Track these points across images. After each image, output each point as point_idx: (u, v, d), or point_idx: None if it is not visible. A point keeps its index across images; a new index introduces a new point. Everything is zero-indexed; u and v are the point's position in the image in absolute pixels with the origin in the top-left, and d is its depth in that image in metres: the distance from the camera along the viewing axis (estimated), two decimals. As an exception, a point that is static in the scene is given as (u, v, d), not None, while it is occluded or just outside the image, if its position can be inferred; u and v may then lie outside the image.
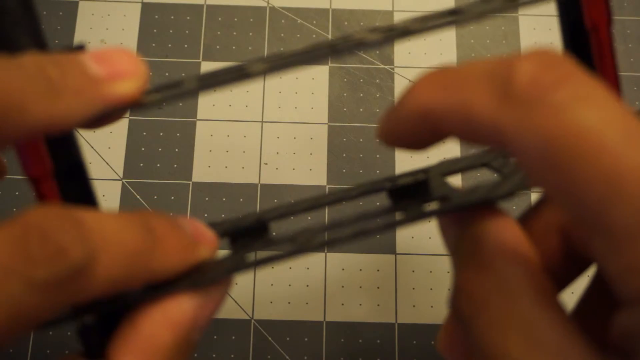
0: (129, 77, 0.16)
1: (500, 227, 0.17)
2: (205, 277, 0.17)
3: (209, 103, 0.36)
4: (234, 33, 0.37)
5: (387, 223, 0.18)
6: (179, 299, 0.17)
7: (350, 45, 0.17)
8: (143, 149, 0.35)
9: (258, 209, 0.34)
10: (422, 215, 0.18)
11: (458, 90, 0.15)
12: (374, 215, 0.19)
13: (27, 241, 0.14)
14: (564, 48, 0.20)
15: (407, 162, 0.35)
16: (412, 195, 0.19)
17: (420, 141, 0.17)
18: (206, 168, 0.35)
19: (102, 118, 0.17)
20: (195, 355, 0.32)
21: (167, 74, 0.36)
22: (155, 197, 0.34)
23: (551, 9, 0.20)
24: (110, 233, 0.15)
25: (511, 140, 0.14)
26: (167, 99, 0.17)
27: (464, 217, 0.18)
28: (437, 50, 0.37)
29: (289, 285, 0.33)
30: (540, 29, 0.37)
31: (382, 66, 0.37)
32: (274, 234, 0.20)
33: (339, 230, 0.19)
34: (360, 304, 0.33)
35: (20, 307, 0.13)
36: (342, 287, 0.33)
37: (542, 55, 0.14)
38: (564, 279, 0.19)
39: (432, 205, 0.19)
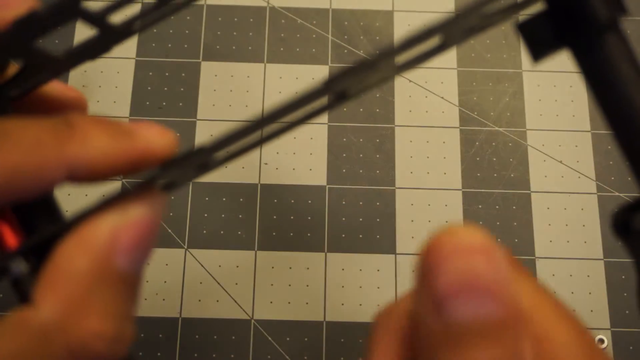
0: None
1: None
2: (117, 193, 0.16)
3: (209, 103, 0.36)
4: (234, 33, 0.37)
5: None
6: (92, 223, 0.16)
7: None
8: (143, 149, 0.35)
9: (258, 208, 0.34)
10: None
11: None
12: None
13: None
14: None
15: (406, 161, 0.35)
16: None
17: None
18: (206, 168, 0.35)
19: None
20: (195, 355, 0.32)
21: (167, 73, 0.36)
22: (155, 197, 0.34)
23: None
24: (11, 126, 0.15)
25: None
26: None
27: None
28: (437, 50, 0.37)
29: (289, 285, 0.33)
30: (540, 29, 0.37)
31: (382, 66, 0.37)
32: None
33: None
34: (360, 304, 0.33)
35: None
36: (342, 287, 0.33)
37: None
38: None
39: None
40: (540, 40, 0.16)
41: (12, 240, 0.17)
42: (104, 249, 0.16)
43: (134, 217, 0.16)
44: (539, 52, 0.16)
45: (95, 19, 0.18)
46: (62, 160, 0.16)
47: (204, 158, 0.17)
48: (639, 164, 0.16)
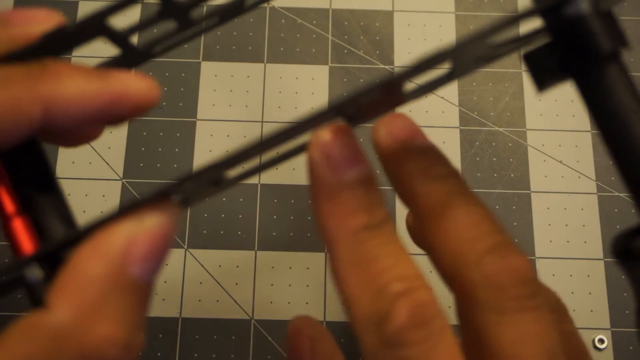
0: None
1: None
2: (133, 202, 0.16)
3: (209, 103, 0.36)
4: (234, 33, 0.37)
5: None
6: (108, 230, 0.16)
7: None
8: (143, 149, 0.35)
9: (258, 208, 0.34)
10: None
11: None
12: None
13: None
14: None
15: (407, 162, 0.35)
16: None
17: None
18: (206, 168, 0.35)
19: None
20: (195, 355, 0.32)
21: (167, 74, 0.36)
22: (155, 197, 0.34)
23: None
24: None
25: None
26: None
27: None
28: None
29: (289, 285, 0.33)
30: (540, 29, 0.37)
31: (382, 66, 0.37)
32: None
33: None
34: (360, 304, 0.33)
35: None
36: (342, 287, 0.33)
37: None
38: None
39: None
40: (545, 69, 0.17)
41: (28, 246, 0.17)
42: (119, 256, 0.16)
43: (149, 226, 0.16)
44: (543, 81, 0.17)
45: (119, 38, 0.18)
46: (36, 96, 0.16)
47: (216, 174, 0.17)
48: (639, 193, 0.16)
